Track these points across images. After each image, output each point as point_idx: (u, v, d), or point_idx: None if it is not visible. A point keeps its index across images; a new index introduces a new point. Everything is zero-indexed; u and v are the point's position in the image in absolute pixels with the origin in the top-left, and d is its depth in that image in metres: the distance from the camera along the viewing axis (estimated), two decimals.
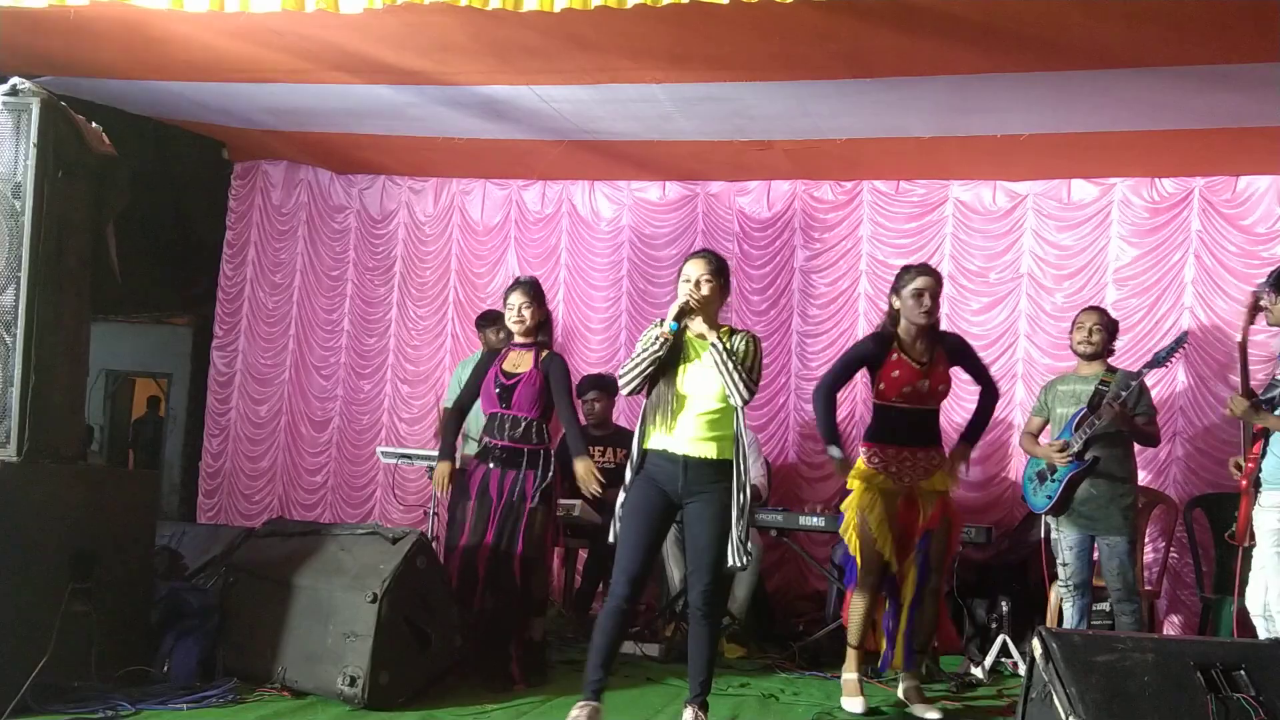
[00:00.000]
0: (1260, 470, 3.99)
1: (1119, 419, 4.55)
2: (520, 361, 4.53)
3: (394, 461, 6.18)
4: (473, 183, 7.33)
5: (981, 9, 4.12)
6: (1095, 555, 4.71)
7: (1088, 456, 4.60)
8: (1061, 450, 4.62)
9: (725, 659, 5.22)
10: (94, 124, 4.06)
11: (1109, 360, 4.86)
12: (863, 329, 6.55)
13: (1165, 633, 5.60)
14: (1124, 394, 4.56)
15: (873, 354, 4.22)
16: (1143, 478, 5.22)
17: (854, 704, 4.19)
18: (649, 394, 3.63)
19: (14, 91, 3.79)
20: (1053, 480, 4.68)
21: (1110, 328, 4.84)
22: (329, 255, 7.53)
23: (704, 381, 3.57)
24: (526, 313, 4.50)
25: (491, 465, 4.46)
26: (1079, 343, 4.83)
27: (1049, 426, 4.88)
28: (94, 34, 4.91)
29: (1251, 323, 4.10)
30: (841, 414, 6.55)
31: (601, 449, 5.94)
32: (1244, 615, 4.10)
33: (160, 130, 6.58)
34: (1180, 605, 5.83)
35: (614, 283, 7.04)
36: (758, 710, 4.28)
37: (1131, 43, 4.33)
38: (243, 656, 4.17)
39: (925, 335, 4.18)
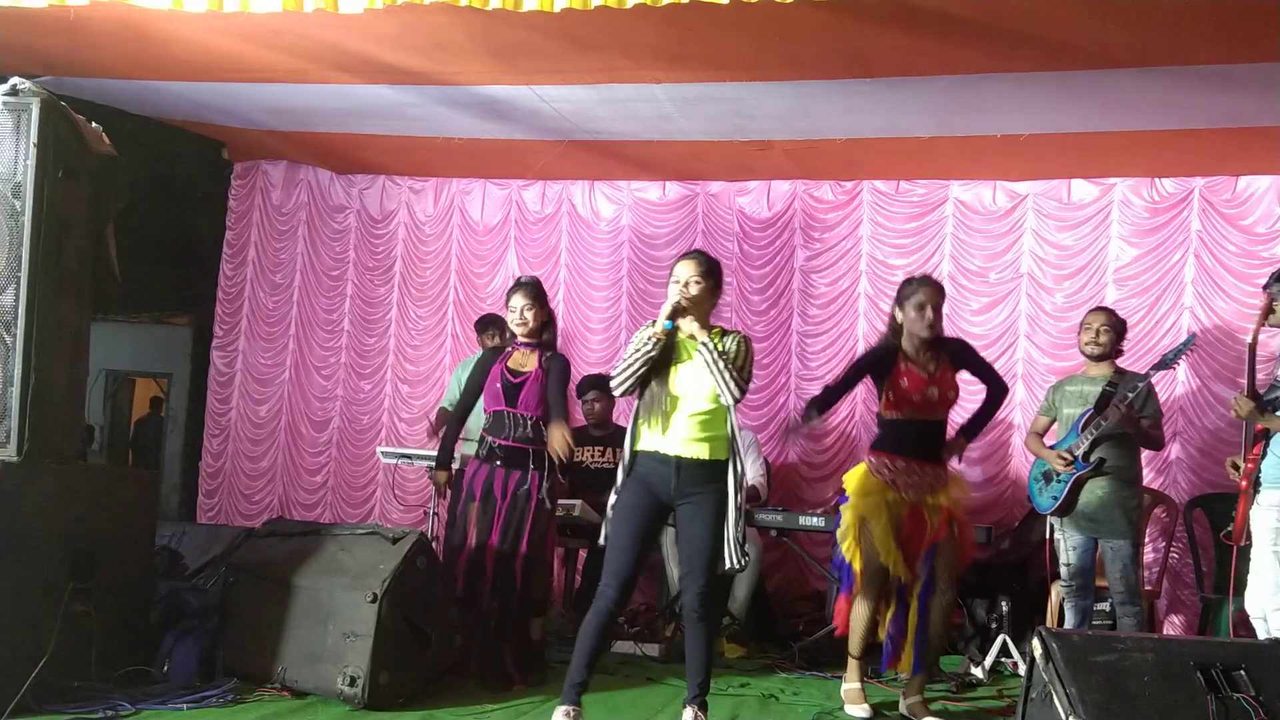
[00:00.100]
0: (1260, 470, 3.99)
1: (1125, 420, 4.54)
2: (525, 361, 4.53)
3: (394, 461, 6.18)
4: (473, 183, 7.33)
5: (982, 9, 4.12)
6: (1098, 555, 4.71)
7: (1094, 458, 4.59)
8: (1068, 464, 4.62)
9: (725, 659, 5.22)
10: (94, 124, 4.06)
11: (1117, 361, 4.84)
12: (863, 329, 6.56)
13: (1165, 633, 5.60)
14: (1131, 395, 4.55)
15: (882, 360, 4.17)
16: (1145, 478, 5.21)
17: (858, 710, 4.16)
18: (641, 395, 3.63)
19: (14, 91, 3.79)
20: (1059, 481, 4.68)
21: (1118, 328, 4.82)
22: (329, 255, 7.53)
23: (696, 382, 3.57)
24: (529, 314, 4.50)
25: (496, 465, 4.46)
26: (1086, 344, 4.81)
27: (1055, 426, 4.87)
28: (94, 34, 4.91)
29: (1264, 324, 4.08)
30: (842, 414, 6.59)
31: (601, 449, 5.94)
32: (1243, 615, 4.10)
33: (160, 130, 6.58)
34: (1180, 605, 5.83)
35: (614, 283, 7.04)
36: (758, 710, 4.28)
37: (1132, 43, 4.33)
38: (243, 656, 4.17)
39: (928, 345, 4.16)
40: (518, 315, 4.53)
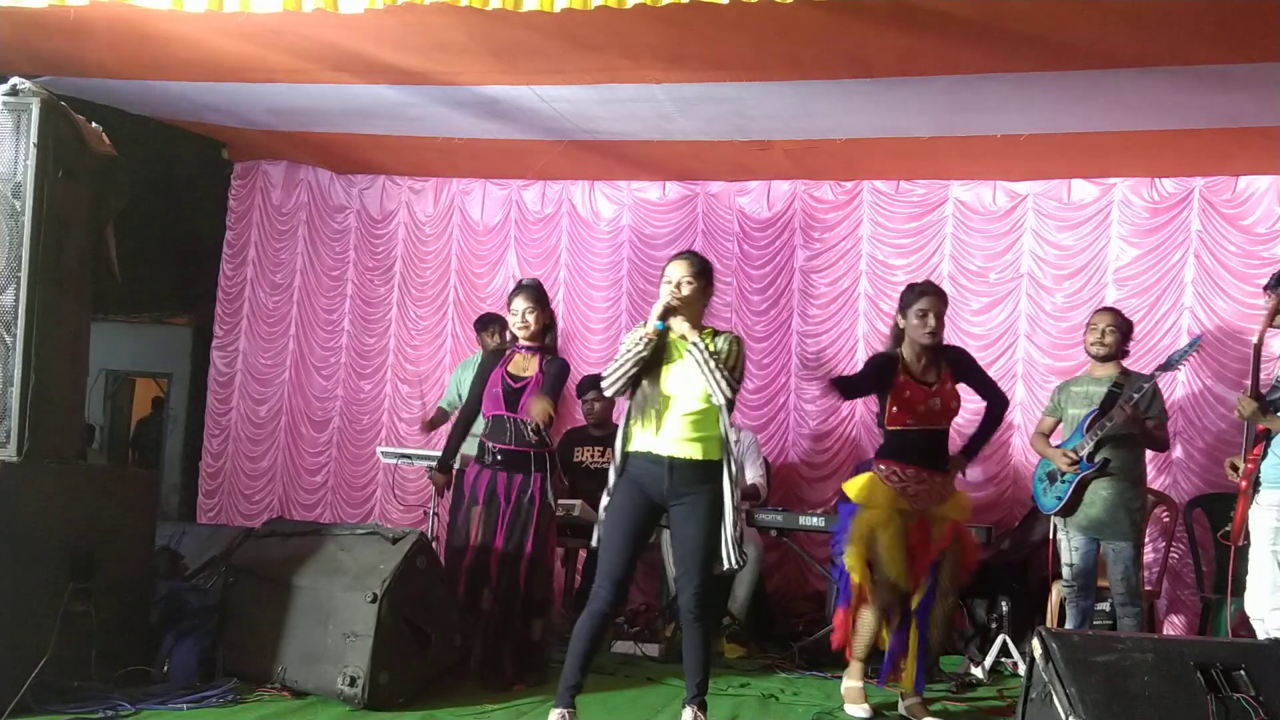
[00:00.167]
0: (1260, 471, 3.99)
1: (1130, 422, 4.52)
2: (527, 365, 4.53)
3: (394, 461, 6.18)
4: (473, 183, 7.33)
5: (982, 9, 4.12)
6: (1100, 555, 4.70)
7: (1098, 459, 4.58)
8: (1073, 464, 4.61)
9: (725, 659, 5.23)
10: (94, 124, 4.06)
11: (1123, 362, 4.82)
12: (863, 329, 6.56)
13: (1165, 633, 5.60)
14: (1136, 396, 4.53)
15: (882, 371, 4.13)
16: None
17: (859, 710, 4.16)
18: (632, 395, 3.63)
19: (14, 91, 3.80)
20: (1063, 481, 4.67)
21: (1124, 329, 4.81)
22: (329, 255, 7.53)
23: (687, 381, 3.56)
24: (531, 318, 4.50)
25: (497, 469, 4.46)
26: (1092, 344, 4.80)
27: (1061, 427, 4.86)
28: (94, 34, 4.91)
29: (1270, 325, 4.06)
30: (842, 414, 6.60)
31: (601, 449, 5.94)
32: (1244, 616, 4.10)
33: (160, 130, 6.58)
34: (1180, 605, 5.83)
35: (614, 283, 7.04)
36: (758, 710, 4.28)
37: (1132, 43, 4.33)
38: (243, 656, 4.17)
39: (928, 353, 4.15)
40: (519, 318, 4.53)
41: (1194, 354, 4.68)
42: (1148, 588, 5.43)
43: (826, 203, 6.75)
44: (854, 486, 4.24)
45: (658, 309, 3.55)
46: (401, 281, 7.40)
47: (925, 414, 4.09)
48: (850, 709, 4.19)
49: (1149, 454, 4.99)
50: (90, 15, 4.53)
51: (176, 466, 7.92)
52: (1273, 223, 5.88)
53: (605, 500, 3.64)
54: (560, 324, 6.82)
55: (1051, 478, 4.75)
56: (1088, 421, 4.64)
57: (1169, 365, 4.66)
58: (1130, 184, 6.18)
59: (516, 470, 4.45)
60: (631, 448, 3.62)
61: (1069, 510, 4.66)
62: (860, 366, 6.50)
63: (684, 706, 3.62)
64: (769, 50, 4.65)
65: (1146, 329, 6.02)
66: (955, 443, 4.42)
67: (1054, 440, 4.89)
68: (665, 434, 3.55)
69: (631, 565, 3.62)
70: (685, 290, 3.59)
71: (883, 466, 4.15)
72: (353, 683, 3.85)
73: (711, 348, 3.54)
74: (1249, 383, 4.06)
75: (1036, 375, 6.28)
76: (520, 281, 4.79)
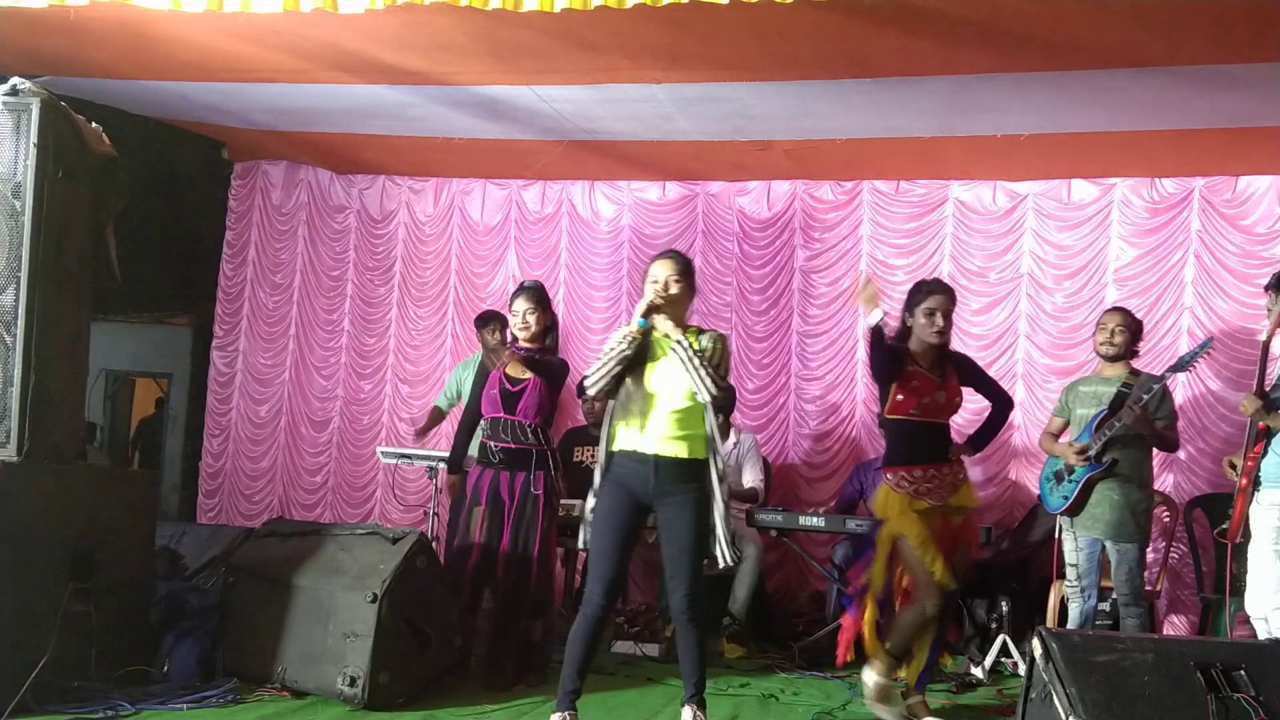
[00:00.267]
0: (1260, 469, 3.99)
1: (1139, 422, 4.50)
2: (525, 368, 4.52)
3: (394, 461, 6.18)
4: (473, 183, 7.33)
5: (982, 9, 4.12)
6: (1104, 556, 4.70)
7: (1106, 459, 4.57)
8: (1080, 453, 4.59)
9: (725, 659, 5.24)
10: (94, 124, 4.06)
11: (1132, 362, 4.81)
12: (862, 329, 6.54)
13: (1165, 633, 5.60)
14: (1145, 397, 4.51)
15: (896, 357, 4.10)
16: None
17: (888, 713, 4.04)
18: (615, 395, 3.62)
19: (14, 91, 3.80)
20: (1069, 481, 4.66)
21: (1134, 329, 4.78)
22: (329, 255, 7.53)
23: (672, 379, 3.56)
24: (531, 319, 4.50)
25: (499, 469, 4.46)
26: (1101, 344, 4.78)
27: (1069, 428, 4.85)
28: (94, 34, 4.91)
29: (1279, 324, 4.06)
30: (842, 413, 6.60)
31: None
32: (1244, 615, 4.10)
33: (160, 130, 6.58)
34: (1180, 605, 5.83)
35: (614, 283, 7.04)
36: (758, 710, 4.28)
37: (1131, 43, 4.33)
38: (243, 656, 4.17)
39: (935, 352, 4.13)
40: (520, 319, 4.53)
41: (1205, 355, 4.65)
42: (1148, 588, 5.43)
43: (826, 203, 6.75)
44: (875, 503, 4.19)
45: (641, 307, 3.55)
46: (401, 281, 7.40)
47: (930, 405, 4.07)
48: (879, 709, 4.04)
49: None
50: (90, 15, 4.53)
51: (176, 466, 7.92)
52: (1273, 223, 5.88)
53: (591, 502, 3.63)
54: (560, 324, 6.83)
55: (1058, 477, 4.74)
56: (1096, 422, 4.62)
57: (1180, 366, 4.64)
58: (1130, 184, 6.19)
59: (519, 469, 4.45)
60: (616, 447, 3.61)
61: (1075, 510, 4.64)
62: (859, 375, 6.57)
63: (683, 705, 3.62)
64: (769, 50, 4.65)
65: (1146, 329, 6.01)
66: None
67: (1062, 441, 4.87)
68: (650, 432, 3.55)
69: (621, 567, 3.61)
70: (673, 289, 3.60)
71: (890, 475, 4.11)
72: (353, 683, 3.85)
73: (696, 346, 3.54)
74: (1254, 380, 4.06)
75: (1036, 375, 6.28)
76: (522, 283, 4.79)
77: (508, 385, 4.50)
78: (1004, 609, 5.04)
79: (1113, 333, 4.74)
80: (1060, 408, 4.93)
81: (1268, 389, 4.03)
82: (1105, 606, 4.85)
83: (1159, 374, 4.69)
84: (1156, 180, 6.12)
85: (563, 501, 4.82)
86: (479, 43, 4.80)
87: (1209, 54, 4.38)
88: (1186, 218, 6.06)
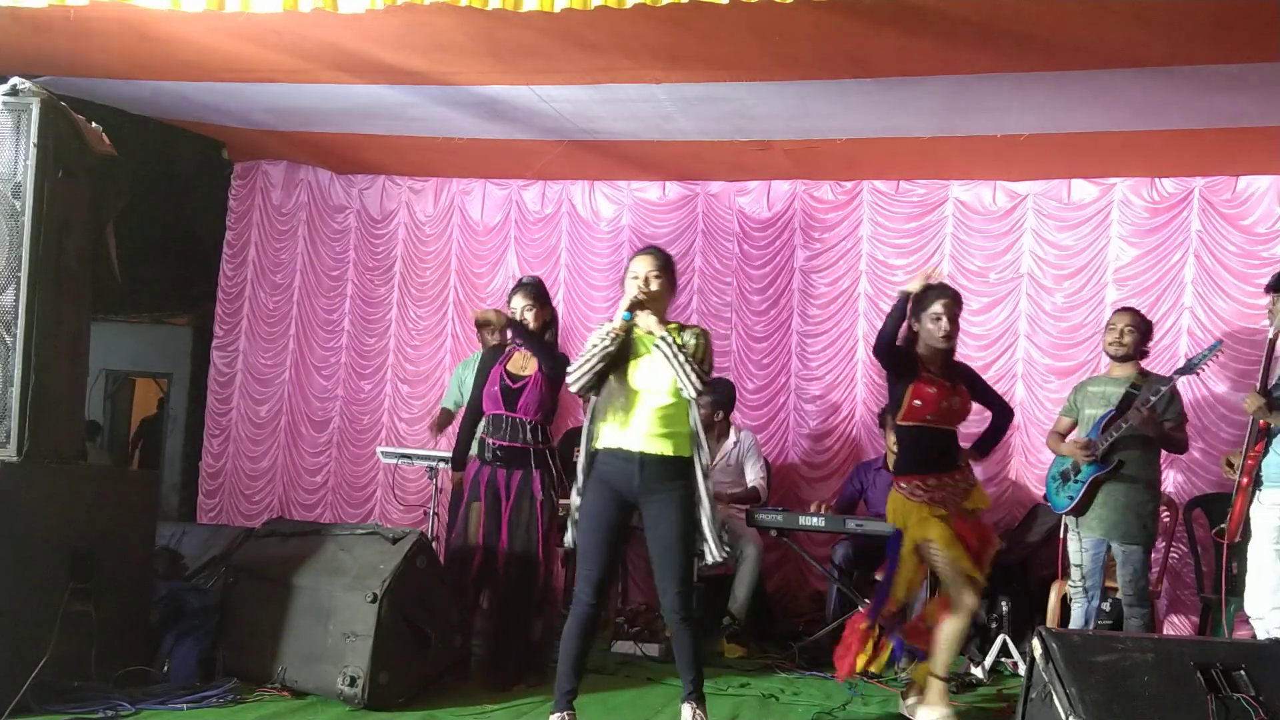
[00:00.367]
0: (1261, 468, 3.98)
1: (1146, 423, 4.48)
2: (526, 364, 4.52)
3: (394, 461, 6.18)
4: (473, 183, 7.33)
5: (982, 9, 4.12)
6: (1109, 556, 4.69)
7: (1112, 460, 4.56)
8: (1086, 447, 4.58)
9: (725, 659, 5.24)
10: (94, 124, 4.06)
11: (1142, 363, 4.79)
12: (863, 329, 6.55)
13: (1165, 633, 5.60)
14: (1153, 399, 4.50)
15: (907, 359, 4.09)
16: None
17: None
18: (598, 393, 3.62)
19: (14, 91, 3.80)
20: (1076, 481, 4.65)
21: (1143, 329, 4.76)
22: (329, 255, 7.53)
23: (656, 375, 3.56)
24: (530, 315, 4.50)
25: (497, 466, 4.46)
26: (1110, 344, 4.76)
27: (1076, 428, 4.84)
28: (94, 34, 4.90)
29: None
30: (842, 413, 6.60)
31: None
32: (1244, 615, 4.10)
33: (160, 130, 6.58)
34: (1180, 605, 5.83)
35: (614, 283, 7.01)
36: (758, 710, 4.28)
37: (1131, 43, 4.33)
38: (243, 656, 4.17)
39: (942, 357, 4.12)
40: (518, 316, 4.53)
41: (1215, 357, 4.63)
42: (1150, 588, 5.44)
43: (826, 203, 6.75)
44: (890, 512, 4.14)
45: (625, 304, 3.56)
46: (401, 281, 7.40)
47: (945, 411, 4.05)
48: None
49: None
50: (90, 15, 4.52)
51: (176, 466, 7.92)
52: (1273, 223, 5.87)
53: (576, 501, 3.63)
54: (560, 323, 6.83)
55: (1065, 477, 4.73)
56: (1104, 422, 4.61)
57: (1187, 369, 4.63)
58: (1130, 184, 6.18)
59: (516, 467, 4.45)
60: (600, 445, 3.61)
61: (1080, 510, 4.63)
62: (859, 375, 6.57)
63: (682, 703, 3.62)
64: (769, 50, 4.65)
65: None
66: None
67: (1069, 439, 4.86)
68: (634, 430, 3.55)
69: (610, 565, 3.61)
70: (653, 285, 3.60)
71: (904, 485, 4.07)
72: (353, 683, 3.85)
73: (679, 342, 3.53)
74: (1258, 379, 4.06)
75: (1036, 375, 6.28)
76: (520, 279, 4.79)
77: (508, 381, 4.50)
78: (1004, 609, 5.04)
79: (1122, 333, 4.72)
80: (1069, 407, 4.92)
81: (1270, 387, 4.03)
82: (1105, 606, 4.85)
83: (1168, 375, 4.69)
84: (1156, 180, 6.12)
85: (562, 501, 4.82)
86: (479, 43, 4.80)
87: (1209, 54, 4.37)
88: (1186, 218, 6.06)
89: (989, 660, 4.93)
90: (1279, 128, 5.08)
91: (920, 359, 4.09)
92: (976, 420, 4.34)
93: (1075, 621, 4.68)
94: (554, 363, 4.38)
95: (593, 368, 3.55)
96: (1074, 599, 4.72)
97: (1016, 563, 5.62)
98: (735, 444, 5.99)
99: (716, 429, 6.00)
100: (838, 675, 4.27)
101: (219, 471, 7.56)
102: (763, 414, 6.71)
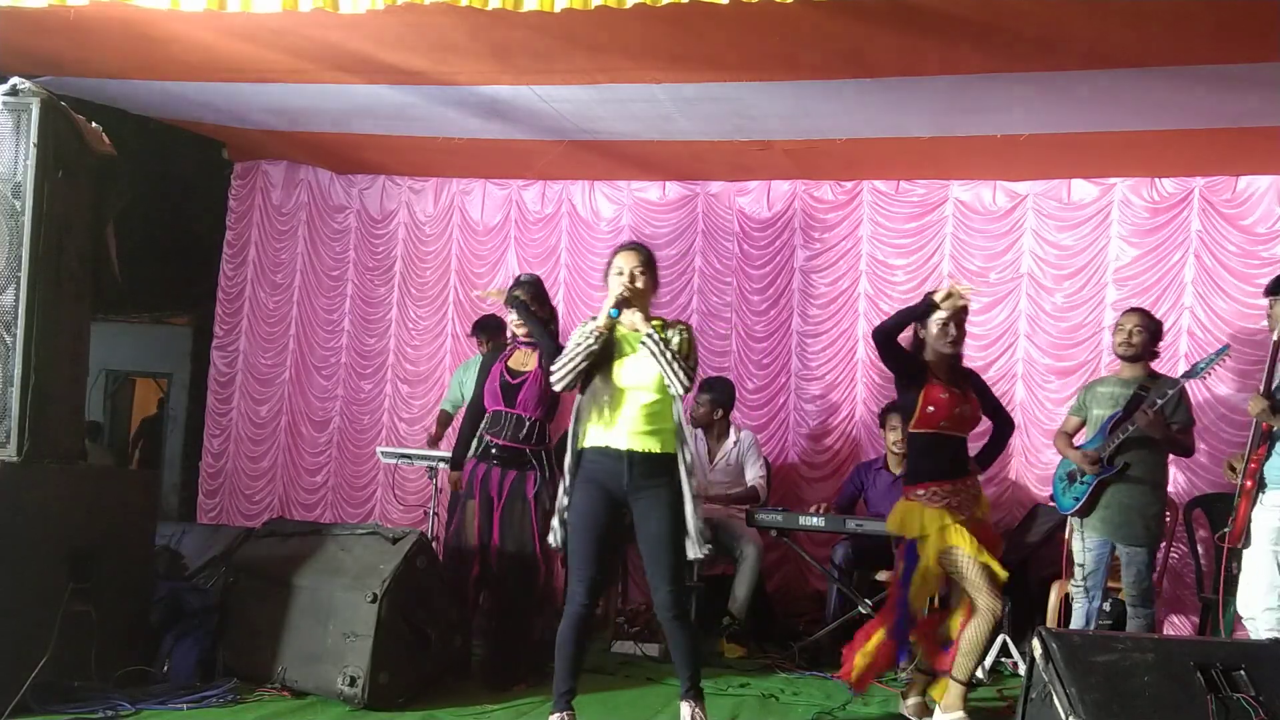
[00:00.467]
0: (1264, 471, 3.97)
1: (1152, 426, 4.47)
2: (527, 361, 4.52)
3: (394, 461, 6.18)
4: (473, 183, 7.33)
5: (982, 9, 4.12)
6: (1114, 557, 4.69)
7: (1118, 462, 4.55)
8: (1094, 463, 4.58)
9: (725, 659, 5.24)
10: (94, 124, 4.06)
11: (1152, 364, 4.77)
12: (863, 329, 6.55)
13: (1165, 633, 5.60)
14: (1160, 401, 4.48)
15: (916, 365, 4.08)
16: None
17: None
18: (582, 391, 3.62)
19: (14, 91, 3.80)
20: (1082, 482, 4.65)
21: (1152, 329, 4.74)
22: (329, 255, 7.53)
23: (641, 372, 3.55)
24: (523, 320, 4.50)
25: (492, 464, 4.46)
26: (1119, 344, 4.74)
27: (1085, 428, 4.84)
28: (94, 34, 4.90)
29: None
30: (841, 413, 6.60)
31: None
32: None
33: (160, 130, 6.58)
34: (1180, 605, 5.83)
35: None
36: (758, 710, 4.28)
37: (1132, 43, 4.33)
38: (243, 656, 4.17)
39: (950, 364, 4.11)
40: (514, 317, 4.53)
41: (1222, 361, 4.62)
42: None
43: (826, 203, 6.75)
44: (901, 523, 4.07)
45: (611, 300, 3.55)
46: (401, 281, 7.40)
47: (958, 418, 4.05)
48: None
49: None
50: (90, 15, 4.52)
51: (176, 466, 7.92)
52: (1273, 223, 5.87)
53: (564, 501, 3.62)
54: (560, 323, 6.83)
55: (1071, 478, 4.72)
56: (1111, 424, 4.60)
57: (1193, 373, 4.61)
58: (1130, 184, 6.18)
59: (511, 467, 4.45)
60: (587, 444, 3.60)
61: (1086, 512, 4.61)
62: (859, 375, 6.57)
63: (681, 702, 3.62)
64: (769, 50, 4.65)
65: None
66: None
67: (1077, 441, 4.86)
68: (621, 428, 3.55)
69: (602, 564, 3.61)
70: (639, 281, 3.60)
71: (921, 491, 4.02)
72: (353, 683, 3.85)
73: (665, 339, 3.53)
74: (1262, 381, 4.05)
75: (1036, 375, 6.28)
76: (518, 278, 4.79)
77: (508, 378, 4.50)
78: (1004, 609, 5.03)
79: (1130, 333, 4.71)
80: (1077, 406, 4.91)
81: (1274, 390, 4.02)
82: (1106, 606, 4.85)
83: (1175, 378, 4.68)
84: (1156, 180, 6.12)
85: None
86: (479, 43, 4.80)
87: (1210, 54, 4.37)
88: (1186, 218, 6.06)
89: (989, 660, 4.93)
90: (1279, 128, 5.08)
91: (928, 365, 4.08)
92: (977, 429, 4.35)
93: (1076, 621, 4.67)
94: (553, 345, 4.38)
95: (576, 366, 3.55)
96: (1075, 598, 4.71)
97: (1016, 563, 5.60)
98: (735, 444, 5.99)
99: (716, 428, 6.00)
100: (857, 688, 4.17)
101: (219, 471, 7.57)
102: (763, 414, 6.70)
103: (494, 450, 4.47)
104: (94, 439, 7.95)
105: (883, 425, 5.89)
